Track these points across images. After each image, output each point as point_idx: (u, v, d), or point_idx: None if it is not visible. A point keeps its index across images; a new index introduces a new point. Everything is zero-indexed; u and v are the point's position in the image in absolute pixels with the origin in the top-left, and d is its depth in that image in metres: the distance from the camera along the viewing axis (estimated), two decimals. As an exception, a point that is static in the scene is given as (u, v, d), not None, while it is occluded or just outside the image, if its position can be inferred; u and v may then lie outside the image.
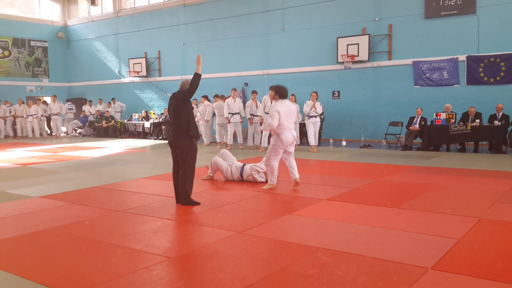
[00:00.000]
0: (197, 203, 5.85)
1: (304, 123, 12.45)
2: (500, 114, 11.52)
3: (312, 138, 12.01)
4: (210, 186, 7.21)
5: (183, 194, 5.85)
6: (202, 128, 14.11)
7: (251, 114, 12.91)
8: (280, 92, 6.74)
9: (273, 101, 6.90)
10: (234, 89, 13.34)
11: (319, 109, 11.91)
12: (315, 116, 11.92)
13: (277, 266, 3.64)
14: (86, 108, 20.74)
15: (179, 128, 5.82)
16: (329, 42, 15.29)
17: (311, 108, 11.80)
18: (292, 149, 6.85)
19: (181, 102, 5.86)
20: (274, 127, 6.57)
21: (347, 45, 14.74)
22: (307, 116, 12.01)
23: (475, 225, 4.69)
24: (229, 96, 13.42)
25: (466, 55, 13.05)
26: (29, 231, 4.82)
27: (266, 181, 7.43)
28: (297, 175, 6.85)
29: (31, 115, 18.41)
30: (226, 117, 13.04)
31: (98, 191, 6.98)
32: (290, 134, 6.69)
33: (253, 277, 3.43)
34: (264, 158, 7.71)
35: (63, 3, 23.63)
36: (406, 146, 12.22)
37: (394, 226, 4.74)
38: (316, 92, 12.06)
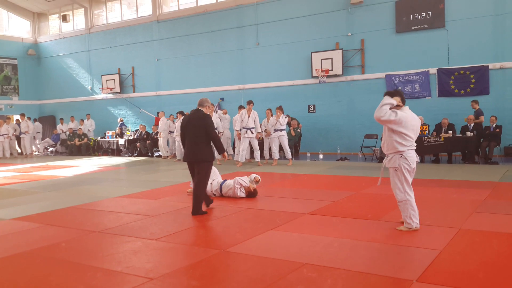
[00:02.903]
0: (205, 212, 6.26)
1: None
2: (472, 125, 11.81)
3: (276, 152, 12.10)
4: (190, 203, 7.09)
5: (201, 202, 6.23)
6: (176, 144, 13.97)
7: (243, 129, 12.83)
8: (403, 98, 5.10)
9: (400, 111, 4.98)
10: (212, 105, 13.27)
11: (282, 121, 12.10)
12: (280, 130, 12.03)
13: (263, 284, 3.58)
14: (58, 126, 20.36)
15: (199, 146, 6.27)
16: (303, 57, 15.46)
17: (277, 120, 12.01)
18: (412, 177, 5.15)
19: (201, 124, 6.50)
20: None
21: (321, 59, 14.94)
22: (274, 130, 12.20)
23: (455, 236, 4.75)
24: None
25: (437, 68, 13.38)
26: (3, 255, 4.63)
27: (247, 196, 7.33)
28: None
29: (2, 135, 17.87)
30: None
31: (74, 212, 6.79)
32: (414, 154, 5.09)
33: (239, 296, 3.37)
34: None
35: (33, 20, 23.22)
36: (381, 158, 12.36)
37: (376, 239, 4.76)
38: (280, 106, 12.37)
